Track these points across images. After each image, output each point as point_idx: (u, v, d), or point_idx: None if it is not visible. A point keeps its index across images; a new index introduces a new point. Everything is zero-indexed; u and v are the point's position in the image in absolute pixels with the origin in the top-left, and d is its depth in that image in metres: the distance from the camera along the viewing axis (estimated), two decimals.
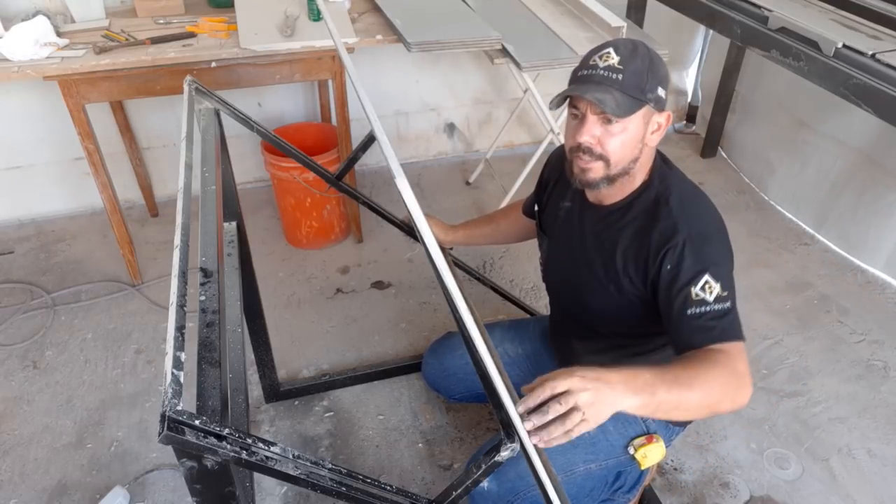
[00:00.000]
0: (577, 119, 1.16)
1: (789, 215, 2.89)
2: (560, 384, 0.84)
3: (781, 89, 2.91)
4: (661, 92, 1.14)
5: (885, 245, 2.51)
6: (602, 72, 1.10)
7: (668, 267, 1.13)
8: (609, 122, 1.12)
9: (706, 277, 1.10)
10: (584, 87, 1.11)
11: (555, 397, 0.84)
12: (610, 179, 1.18)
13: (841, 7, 2.02)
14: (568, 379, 0.84)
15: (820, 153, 2.73)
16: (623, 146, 1.14)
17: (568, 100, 1.16)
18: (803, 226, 2.82)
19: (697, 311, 1.09)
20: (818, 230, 2.77)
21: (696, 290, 1.10)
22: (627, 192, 1.24)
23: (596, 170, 1.17)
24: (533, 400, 0.84)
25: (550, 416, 0.83)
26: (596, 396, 0.84)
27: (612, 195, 1.25)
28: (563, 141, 2.59)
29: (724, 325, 1.08)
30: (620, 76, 1.09)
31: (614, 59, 1.10)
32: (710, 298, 1.09)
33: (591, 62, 1.13)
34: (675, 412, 0.95)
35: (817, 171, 2.75)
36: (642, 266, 1.19)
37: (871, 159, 2.51)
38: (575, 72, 1.17)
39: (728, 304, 1.10)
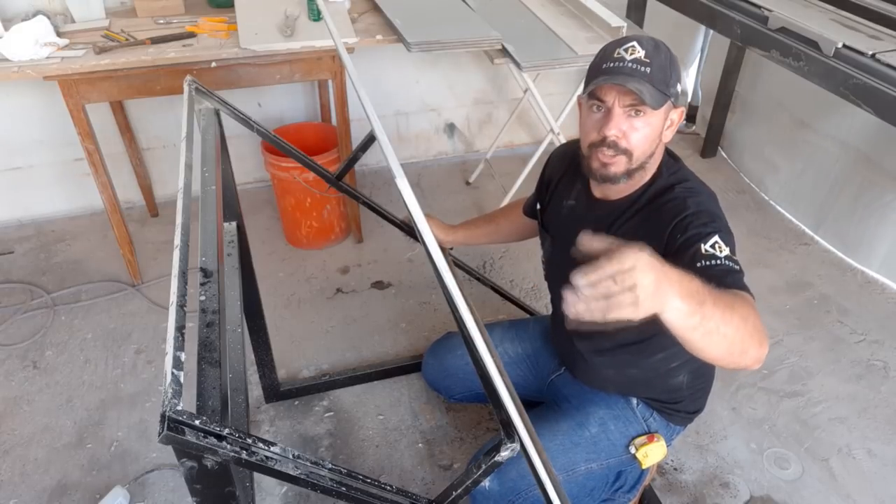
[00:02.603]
0: (599, 112, 1.14)
1: (788, 215, 2.89)
2: (628, 259, 0.74)
3: (781, 89, 2.91)
4: (679, 88, 1.14)
5: (881, 246, 2.51)
6: (630, 64, 1.09)
7: (679, 236, 1.11)
8: (634, 115, 1.11)
9: (716, 238, 1.07)
10: (621, 78, 1.09)
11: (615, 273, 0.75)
12: (629, 174, 1.18)
13: (841, 7, 2.02)
14: (638, 254, 0.75)
15: (820, 153, 2.73)
16: (645, 140, 1.13)
17: (588, 94, 1.15)
18: (802, 226, 2.82)
19: (707, 263, 1.04)
20: (816, 231, 2.77)
21: (705, 247, 1.06)
22: (637, 186, 1.23)
23: (618, 164, 1.16)
24: (596, 275, 0.75)
25: (600, 292, 0.75)
26: (657, 285, 0.75)
27: (622, 190, 1.24)
28: (563, 141, 2.60)
29: (735, 279, 1.02)
30: (649, 69, 1.08)
31: (640, 53, 1.09)
32: (721, 255, 1.05)
33: (616, 55, 1.11)
34: (712, 336, 0.85)
35: (817, 171, 2.75)
36: (655, 245, 1.16)
37: (869, 159, 2.51)
38: (597, 65, 1.14)
39: (738, 267, 1.04)
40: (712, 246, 1.06)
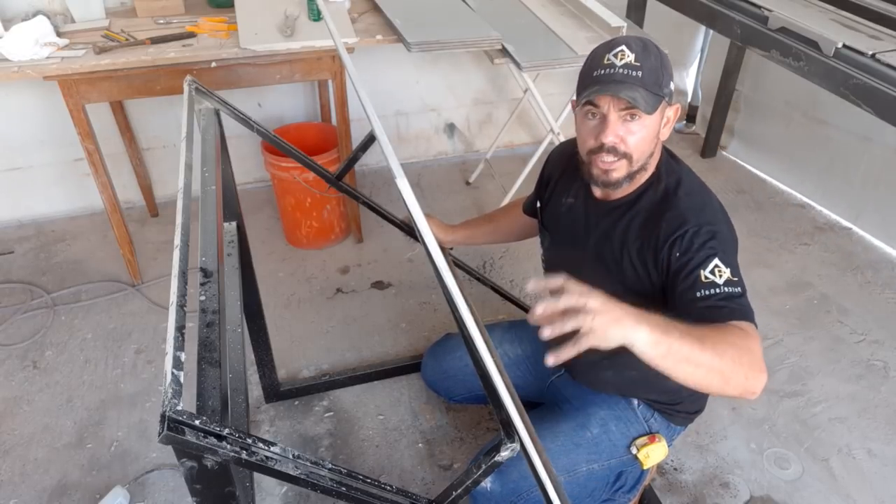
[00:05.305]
0: (595, 118, 1.15)
1: (823, 209, 2.92)
2: (581, 299, 0.85)
3: (787, 88, 2.92)
4: (672, 86, 1.14)
5: None
6: (622, 70, 1.09)
7: (678, 254, 1.13)
8: (630, 119, 1.12)
9: (716, 261, 1.09)
10: (613, 87, 1.09)
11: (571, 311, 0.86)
12: (631, 176, 1.19)
13: (841, 7, 2.02)
14: (589, 296, 0.86)
15: (844, 148, 2.75)
16: (644, 142, 1.14)
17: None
18: (837, 218, 2.85)
19: (707, 292, 1.07)
20: (855, 221, 2.80)
21: (705, 273, 1.08)
22: (636, 185, 1.23)
23: (619, 168, 1.16)
24: (552, 307, 0.86)
25: (567, 328, 0.86)
26: (611, 317, 0.85)
27: (623, 190, 1.24)
28: (562, 140, 2.59)
29: (734, 307, 1.06)
30: (640, 73, 1.09)
31: (630, 57, 1.09)
32: (720, 281, 1.07)
33: (606, 61, 1.11)
34: (684, 365, 0.91)
35: (844, 164, 2.77)
36: (651, 256, 1.18)
37: None
38: (589, 72, 1.14)
39: (738, 289, 1.08)
40: (712, 272, 1.08)
